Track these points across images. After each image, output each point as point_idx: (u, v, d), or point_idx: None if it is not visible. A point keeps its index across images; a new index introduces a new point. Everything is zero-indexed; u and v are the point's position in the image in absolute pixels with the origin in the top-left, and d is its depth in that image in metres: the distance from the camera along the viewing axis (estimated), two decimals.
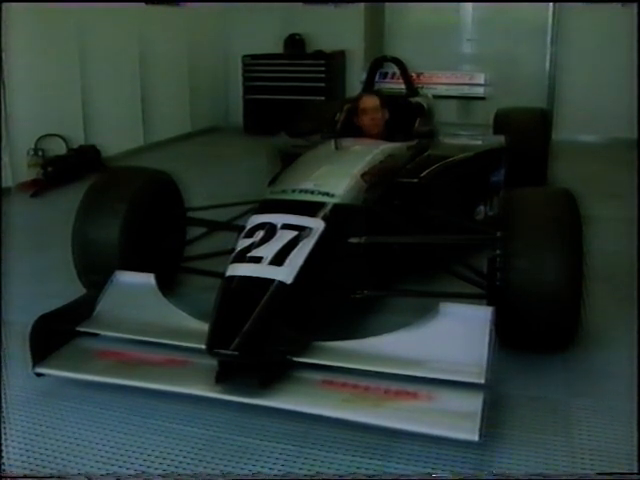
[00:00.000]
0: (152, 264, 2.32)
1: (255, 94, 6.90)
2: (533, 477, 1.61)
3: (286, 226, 2.04)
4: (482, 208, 3.17)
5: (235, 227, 2.41)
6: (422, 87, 4.47)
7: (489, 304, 2.04)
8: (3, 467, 1.56)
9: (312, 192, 2.20)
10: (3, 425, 1.76)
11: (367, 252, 2.25)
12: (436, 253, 2.45)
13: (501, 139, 3.56)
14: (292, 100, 6.46)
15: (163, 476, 1.61)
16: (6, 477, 1.55)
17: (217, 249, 2.53)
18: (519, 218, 2.08)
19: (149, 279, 2.15)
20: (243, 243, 2.03)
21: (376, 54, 6.33)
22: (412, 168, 2.77)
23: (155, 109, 6.11)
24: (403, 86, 3.84)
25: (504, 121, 4.12)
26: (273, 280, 1.89)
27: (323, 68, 6.63)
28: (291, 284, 1.90)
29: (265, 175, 3.11)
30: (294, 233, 2.02)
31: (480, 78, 5.24)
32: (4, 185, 4.28)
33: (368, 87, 3.83)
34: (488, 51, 6.83)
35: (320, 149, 2.76)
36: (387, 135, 2.95)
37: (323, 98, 6.44)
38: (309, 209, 2.12)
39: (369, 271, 2.34)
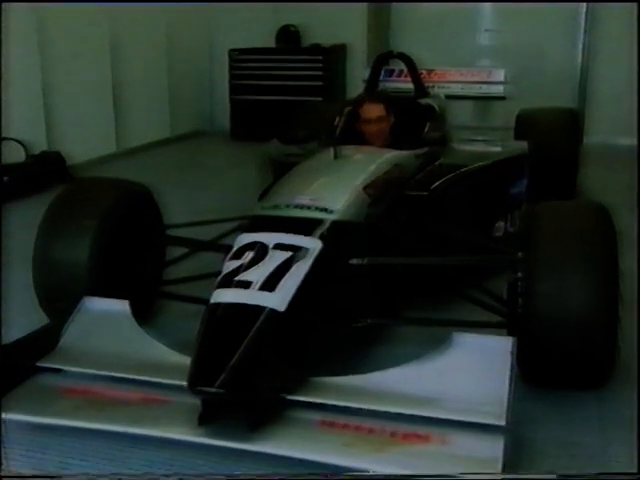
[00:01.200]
0: (126, 289, 2.35)
1: (244, 94, 6.99)
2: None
3: (279, 246, 2.08)
4: (501, 224, 3.22)
5: (221, 247, 2.45)
6: (433, 86, 4.55)
7: (509, 334, 2.07)
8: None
9: (308, 207, 2.25)
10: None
11: (370, 275, 2.28)
12: (449, 276, 2.48)
13: (523, 145, 3.62)
14: (285, 101, 6.56)
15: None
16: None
17: (200, 272, 2.57)
18: (544, 236, 2.11)
19: (123, 306, 2.17)
20: (230, 265, 2.07)
21: (381, 48, 6.46)
22: (421, 179, 2.83)
23: (129, 111, 6.17)
24: (411, 85, 3.90)
25: (527, 124, 4.17)
26: (264, 307, 1.92)
27: (321, 64, 6.73)
28: (284, 312, 1.93)
29: (255, 187, 3.15)
30: (288, 254, 2.05)
31: (500, 75, 5.31)
32: None
33: (372, 87, 3.89)
34: (509, 43, 6.90)
35: (317, 158, 2.81)
36: (393, 142, 3.01)
37: (321, 99, 6.53)
38: (305, 227, 2.17)
39: (372, 296, 2.37)
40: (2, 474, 1.64)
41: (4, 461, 1.68)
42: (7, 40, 4.73)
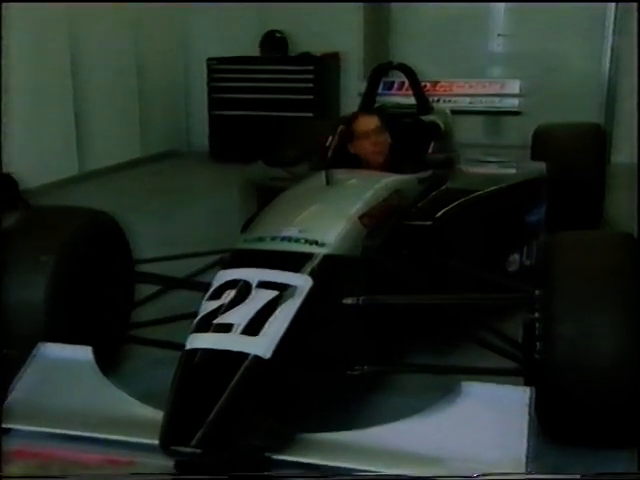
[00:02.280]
0: (89, 333, 2.36)
1: (224, 109, 7.09)
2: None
3: (263, 284, 2.10)
4: (516, 257, 3.26)
5: (198, 285, 2.47)
6: (438, 100, 4.63)
7: (526, 383, 2.09)
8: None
9: (297, 240, 2.28)
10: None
11: (367, 316, 2.31)
12: (456, 316, 2.51)
13: (541, 166, 3.67)
14: (271, 117, 6.66)
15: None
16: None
17: (174, 313, 2.59)
18: (565, 271, 2.12)
19: (85, 353, 2.17)
20: (208, 306, 2.09)
21: (379, 57, 6.58)
22: (425, 207, 2.88)
23: (93, 128, 6.21)
24: (413, 100, 3.97)
25: (546, 142, 4.20)
26: (247, 354, 1.94)
27: (311, 76, 6.84)
28: (270, 359, 1.95)
29: (237, 217, 3.20)
30: (273, 293, 2.08)
31: (514, 86, 5.39)
32: None
33: (368, 101, 3.95)
34: (525, 49, 7.01)
35: (307, 184, 2.86)
36: (392, 165, 3.07)
37: (311, 115, 6.64)
38: (293, 262, 2.20)
39: (369, 341, 2.40)
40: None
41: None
42: None
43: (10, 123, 5.31)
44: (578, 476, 1.71)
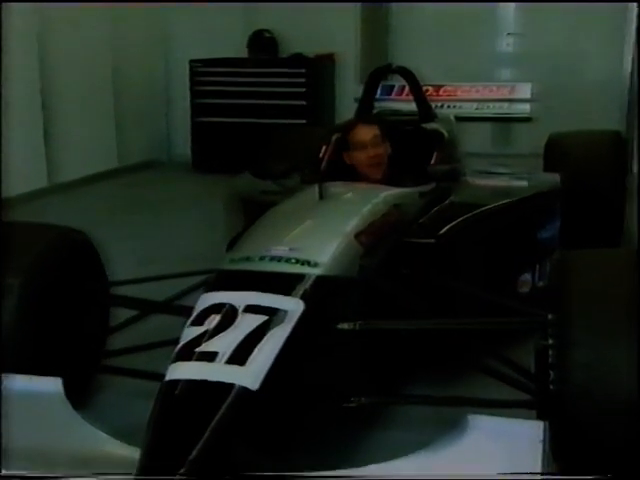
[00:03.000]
0: (59, 363, 2.36)
1: (208, 115, 7.14)
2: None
3: (251, 308, 2.11)
4: (528, 277, 3.28)
5: (179, 309, 2.48)
6: (441, 106, 4.67)
7: (539, 417, 2.09)
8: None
9: (287, 260, 2.30)
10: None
11: (364, 342, 2.32)
12: (462, 343, 2.52)
13: (555, 178, 3.69)
14: (260, 124, 6.70)
15: None
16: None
17: (153, 340, 2.60)
18: (582, 292, 2.12)
19: (54, 385, 2.16)
20: (190, 333, 2.10)
21: (377, 58, 6.64)
22: (427, 223, 2.90)
23: (64, 136, 6.21)
24: (414, 106, 4.00)
25: (560, 151, 4.21)
26: (232, 385, 1.95)
27: (303, 79, 6.90)
28: (258, 390, 1.95)
29: (222, 234, 3.21)
30: (262, 318, 2.09)
31: (525, 90, 5.45)
32: None
33: (366, 108, 3.98)
34: (537, 49, 7.08)
35: (299, 198, 2.88)
36: (392, 177, 3.09)
37: (304, 122, 6.68)
38: (283, 284, 2.21)
39: (367, 369, 2.41)
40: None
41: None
42: None
43: None
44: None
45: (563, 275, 2.22)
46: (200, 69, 7.13)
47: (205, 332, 2.07)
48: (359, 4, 7.05)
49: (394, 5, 7.42)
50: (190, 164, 7.28)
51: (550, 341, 2.15)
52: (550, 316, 2.18)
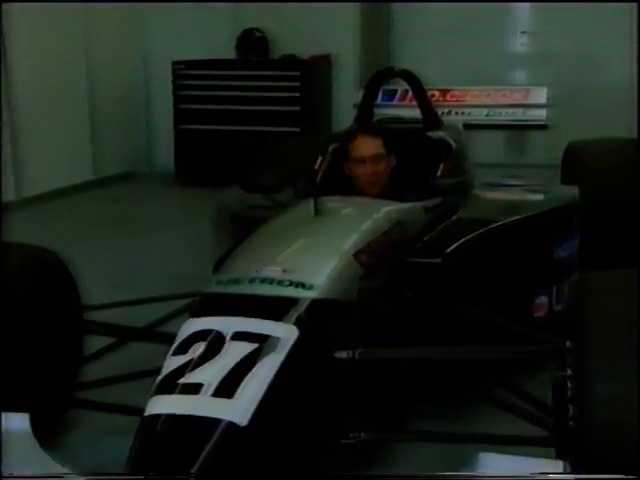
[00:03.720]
0: (27, 396, 2.35)
1: (193, 122, 7.16)
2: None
3: (240, 335, 2.12)
4: (544, 301, 3.29)
5: (160, 337, 2.50)
6: (448, 112, 4.69)
7: (558, 455, 2.09)
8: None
9: (280, 282, 2.31)
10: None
11: (364, 372, 2.33)
12: (471, 373, 2.53)
13: (574, 191, 3.69)
14: (249, 133, 6.72)
15: None
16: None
17: (132, 370, 2.60)
18: (603, 318, 2.11)
19: (21, 421, 2.15)
20: (173, 362, 2.10)
21: (378, 60, 6.68)
22: (433, 241, 2.91)
23: (34, 145, 6.21)
24: (418, 112, 4.03)
25: (579, 161, 4.20)
26: (219, 420, 1.95)
27: (297, 83, 6.90)
28: (247, 426, 1.95)
29: (208, 253, 3.23)
30: (252, 346, 2.10)
31: (540, 95, 5.46)
32: None
33: (366, 115, 4.00)
34: (554, 49, 7.11)
35: (292, 214, 2.90)
36: (394, 191, 3.11)
37: (297, 130, 6.70)
38: (275, 309, 2.22)
39: (367, 402, 2.41)
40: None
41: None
42: None
43: None
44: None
45: (583, 298, 2.21)
46: (183, 71, 7.15)
47: (189, 362, 2.07)
48: (358, 7, 7.08)
49: (395, 8, 7.45)
50: (173, 176, 7.30)
51: (569, 371, 2.15)
52: (569, 344, 2.18)
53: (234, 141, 6.82)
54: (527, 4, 7.35)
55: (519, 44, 7.42)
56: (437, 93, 4.95)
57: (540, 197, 3.81)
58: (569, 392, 2.14)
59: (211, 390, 2.00)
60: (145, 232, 5.62)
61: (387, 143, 3.19)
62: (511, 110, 5.39)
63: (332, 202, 2.91)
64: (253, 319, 2.17)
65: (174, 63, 7.16)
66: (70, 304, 2.70)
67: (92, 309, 2.81)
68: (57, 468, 2.08)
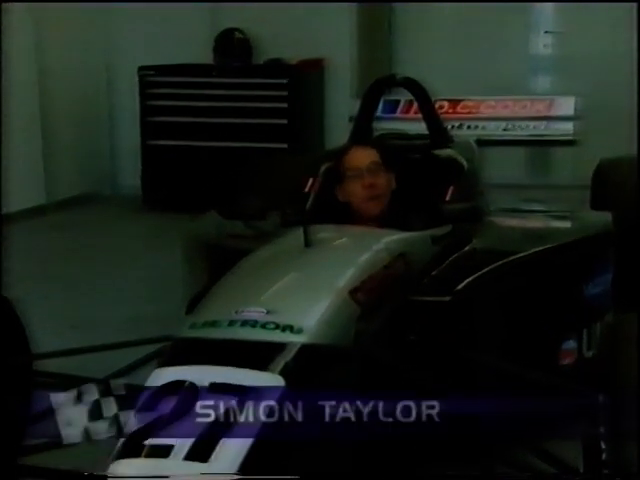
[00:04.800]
0: None
1: (163, 137, 7.17)
2: None
3: (217, 387, 2.12)
4: (572, 346, 3.29)
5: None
6: (460, 126, 4.71)
7: None
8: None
9: (264, 325, 2.31)
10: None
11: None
12: (486, 429, 2.53)
13: (606, 218, 3.71)
14: (228, 150, 6.75)
15: None
16: None
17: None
18: None
19: None
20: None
21: (378, 66, 6.72)
22: (441, 276, 2.93)
23: None
24: (425, 126, 4.05)
25: (612, 183, 4.22)
26: None
27: (284, 92, 6.92)
28: None
29: (180, 290, 3.23)
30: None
31: (567, 105, 5.45)
32: None
33: (363, 129, 4.01)
34: (583, 51, 7.18)
35: (278, 245, 2.91)
36: (396, 218, 3.12)
37: (285, 146, 6.73)
38: (258, 356, 2.22)
39: (365, 464, 2.41)
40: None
41: None
42: None
43: None
44: None
45: (618, 344, 2.26)
46: (152, 78, 7.18)
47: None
48: (355, 8, 7.14)
49: (397, 8, 7.47)
50: (140, 199, 7.31)
51: (602, 428, 2.17)
52: (602, 397, 2.19)
53: (211, 159, 6.84)
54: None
55: (542, 45, 7.48)
56: (446, 104, 4.96)
57: (567, 224, 3.82)
58: (603, 454, 2.15)
59: (183, 452, 2.00)
60: (107, 265, 5.61)
61: (386, 159, 3.22)
62: (533, 123, 5.39)
63: (325, 231, 2.93)
64: (232, 368, 2.17)
65: (141, 69, 7.18)
66: (16, 350, 2.70)
67: (43, 357, 2.80)
68: None
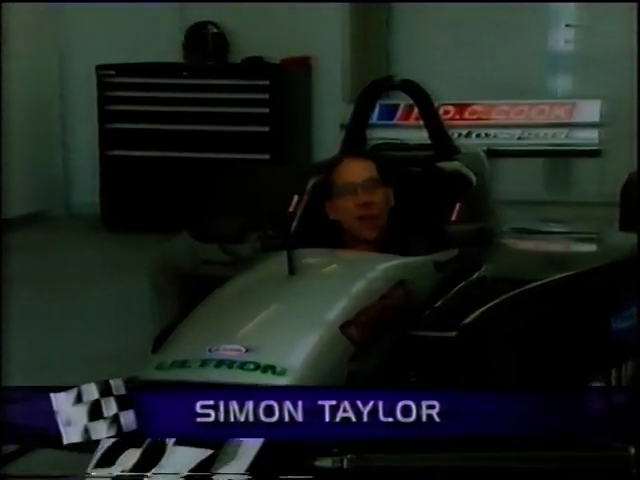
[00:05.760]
0: None
1: (125, 147, 7.17)
2: None
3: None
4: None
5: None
6: (468, 134, 4.73)
7: None
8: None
9: (242, 365, 2.32)
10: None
11: None
12: None
13: (636, 240, 3.73)
14: (201, 162, 6.75)
15: None
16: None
17: None
18: None
19: None
20: (96, 477, 2.11)
21: (373, 66, 6.76)
22: (446, 308, 2.94)
23: None
24: (426, 135, 4.06)
25: None
26: None
27: (266, 95, 6.95)
28: None
29: (145, 324, 3.22)
30: (203, 453, 2.10)
31: (592, 110, 5.48)
32: None
33: (356, 138, 4.03)
34: (609, 48, 7.18)
35: (258, 272, 2.92)
36: (394, 240, 3.14)
37: (267, 158, 6.74)
38: None
39: None
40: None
41: None
42: None
43: None
44: None
45: None
46: (112, 79, 7.19)
47: (117, 478, 2.09)
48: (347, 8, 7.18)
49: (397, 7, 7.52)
50: (98, 219, 7.30)
51: None
52: (633, 450, 2.22)
53: (181, 173, 6.86)
54: None
55: (562, 41, 7.54)
56: (452, 109, 4.98)
57: (592, 248, 3.85)
58: None
59: None
60: (59, 295, 5.60)
61: (384, 173, 3.23)
62: (552, 131, 5.41)
63: (312, 256, 2.94)
64: None
65: (99, 68, 7.18)
66: None
67: None
68: None
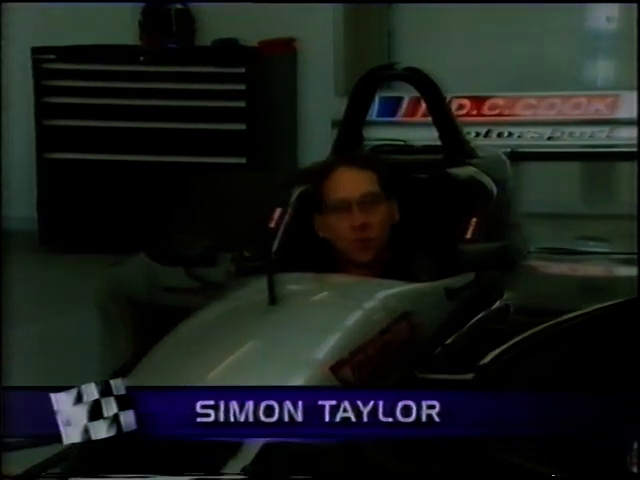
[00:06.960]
0: None
1: (68, 149, 7.20)
2: None
3: None
4: None
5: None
6: (486, 134, 4.78)
7: None
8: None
9: None
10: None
11: None
12: None
13: None
14: (162, 167, 6.80)
15: None
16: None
17: None
18: None
19: None
20: None
21: (371, 53, 6.82)
22: (461, 345, 2.99)
23: None
24: (435, 134, 4.11)
25: None
26: None
27: (242, 86, 6.98)
28: None
29: (93, 365, 3.25)
30: None
31: (634, 107, 5.54)
32: None
33: (351, 138, 4.08)
34: None
35: (233, 301, 2.97)
36: (397, 262, 3.20)
37: (243, 162, 6.79)
38: (206, 460, 2.27)
39: None
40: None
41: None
42: None
43: None
44: None
45: None
46: (52, 65, 7.23)
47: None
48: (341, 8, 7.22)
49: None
50: (36, 236, 7.33)
51: None
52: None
53: (137, 180, 6.88)
54: None
55: (604, 18, 7.57)
56: (468, 103, 5.01)
57: (635, 272, 3.89)
58: None
59: None
60: None
61: (386, 184, 3.27)
62: (590, 129, 5.46)
63: (298, 282, 2.98)
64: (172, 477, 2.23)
65: (36, 51, 7.20)
66: None
67: None
68: None
